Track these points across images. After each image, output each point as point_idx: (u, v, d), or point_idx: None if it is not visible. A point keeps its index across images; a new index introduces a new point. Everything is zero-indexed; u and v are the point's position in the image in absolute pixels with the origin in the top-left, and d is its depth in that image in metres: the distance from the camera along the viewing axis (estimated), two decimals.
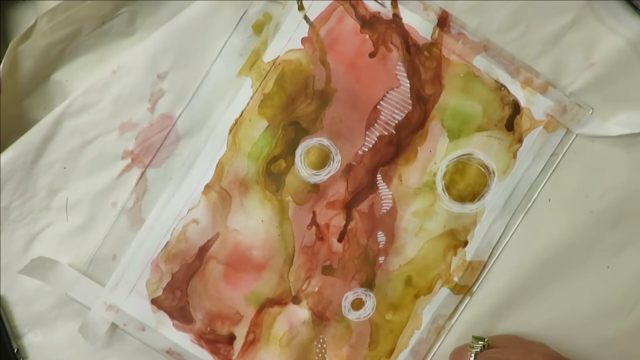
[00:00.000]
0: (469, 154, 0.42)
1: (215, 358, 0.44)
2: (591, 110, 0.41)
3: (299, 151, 0.42)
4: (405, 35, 0.41)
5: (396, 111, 0.42)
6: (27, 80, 0.41)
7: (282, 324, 0.44)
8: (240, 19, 0.41)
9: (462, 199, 0.42)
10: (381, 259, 0.43)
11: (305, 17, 0.41)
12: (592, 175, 0.42)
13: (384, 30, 0.41)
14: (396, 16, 0.41)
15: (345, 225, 0.43)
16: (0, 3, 0.41)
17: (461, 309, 0.43)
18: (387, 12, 0.41)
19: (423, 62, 0.41)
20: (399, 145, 0.42)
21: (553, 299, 0.43)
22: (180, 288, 0.43)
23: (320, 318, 0.44)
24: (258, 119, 0.42)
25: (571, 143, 0.42)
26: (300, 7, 0.41)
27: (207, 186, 0.42)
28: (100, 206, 0.42)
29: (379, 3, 0.41)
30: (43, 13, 0.39)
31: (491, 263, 0.43)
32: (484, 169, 0.42)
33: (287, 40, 0.41)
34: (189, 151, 0.42)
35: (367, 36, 0.41)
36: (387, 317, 0.44)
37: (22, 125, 0.41)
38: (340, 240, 0.43)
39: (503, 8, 0.40)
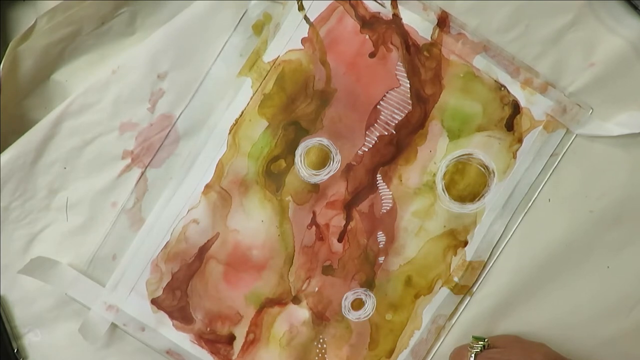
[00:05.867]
0: (469, 154, 0.42)
1: (215, 358, 0.44)
2: (591, 110, 0.41)
3: (299, 151, 0.42)
4: (405, 35, 0.41)
5: (396, 111, 0.42)
6: (27, 80, 0.41)
7: (282, 324, 0.44)
8: (240, 19, 0.41)
9: (462, 199, 0.42)
10: (381, 259, 0.43)
11: (305, 17, 0.41)
12: (592, 175, 0.42)
13: (383, 30, 0.41)
14: (396, 16, 0.41)
15: (345, 225, 0.43)
16: (0, 3, 0.41)
17: (461, 309, 0.43)
18: (387, 12, 0.41)
19: (423, 62, 0.41)
20: (399, 145, 0.42)
21: (553, 299, 0.43)
22: (180, 288, 0.43)
23: (320, 318, 0.44)
24: (258, 119, 0.42)
25: (571, 143, 0.42)
26: (300, 8, 0.41)
27: (207, 186, 0.42)
28: (100, 206, 0.42)
29: (379, 3, 0.41)
30: (43, 13, 0.40)
31: (491, 263, 0.43)
32: (484, 169, 0.42)
33: (287, 40, 0.41)
34: (189, 151, 0.42)
35: (367, 36, 0.41)
36: (387, 317, 0.44)
37: (22, 125, 0.41)
38: (340, 240, 0.43)
39: (503, 8, 0.40)
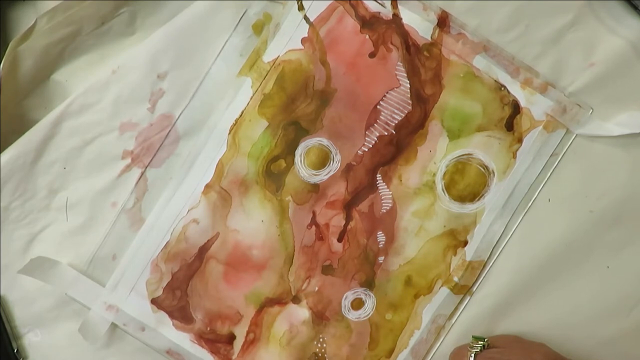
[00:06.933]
0: (468, 154, 0.42)
1: (215, 358, 0.44)
2: (591, 110, 0.41)
3: (299, 151, 0.42)
4: (405, 35, 0.41)
5: (396, 111, 0.42)
6: (27, 80, 0.41)
7: (282, 323, 0.44)
8: (240, 19, 0.41)
9: (462, 199, 0.42)
10: (381, 258, 0.43)
11: (305, 17, 0.41)
12: (592, 175, 0.42)
13: (383, 30, 0.41)
14: (396, 16, 0.41)
15: (345, 225, 0.43)
16: (0, 3, 0.41)
17: (461, 309, 0.43)
18: (387, 12, 0.41)
19: (423, 62, 0.41)
20: (398, 145, 0.42)
21: (553, 299, 0.43)
22: (180, 288, 0.43)
23: (320, 318, 0.44)
24: (258, 119, 0.42)
25: (571, 143, 0.42)
26: (300, 7, 0.41)
27: (207, 186, 0.42)
28: (100, 206, 0.42)
29: (379, 3, 0.41)
30: (43, 13, 0.40)
31: (491, 263, 0.43)
32: (484, 169, 0.42)
33: (287, 40, 0.41)
34: (189, 151, 0.42)
35: (367, 36, 0.41)
36: (387, 316, 0.44)
37: (22, 125, 0.41)
38: (340, 240, 0.43)
39: (503, 8, 0.40)
